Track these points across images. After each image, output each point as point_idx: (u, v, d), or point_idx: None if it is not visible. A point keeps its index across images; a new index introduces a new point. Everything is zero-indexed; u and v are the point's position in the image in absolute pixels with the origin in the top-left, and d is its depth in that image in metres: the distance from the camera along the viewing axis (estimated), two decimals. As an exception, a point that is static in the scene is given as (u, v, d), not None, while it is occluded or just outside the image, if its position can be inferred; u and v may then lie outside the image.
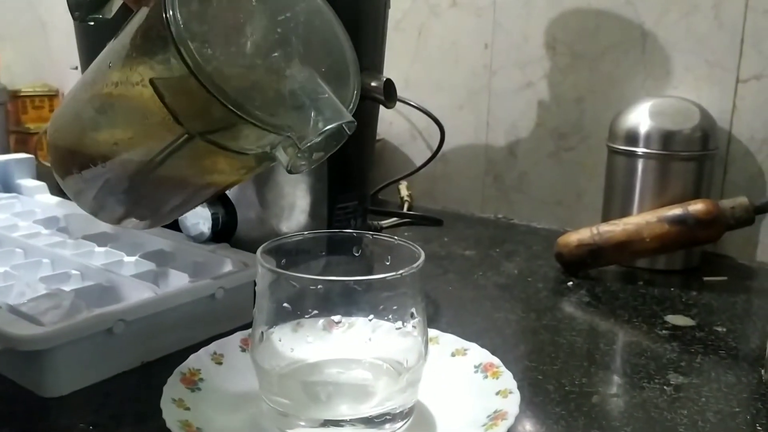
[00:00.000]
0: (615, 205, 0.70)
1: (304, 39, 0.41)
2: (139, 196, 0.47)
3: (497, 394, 0.39)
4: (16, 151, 0.97)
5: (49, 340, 0.40)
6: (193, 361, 0.41)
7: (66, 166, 0.47)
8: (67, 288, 0.47)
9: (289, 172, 0.39)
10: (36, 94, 1.16)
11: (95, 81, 0.43)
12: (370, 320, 0.36)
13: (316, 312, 0.36)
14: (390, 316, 0.37)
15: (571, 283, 0.63)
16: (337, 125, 0.37)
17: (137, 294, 0.47)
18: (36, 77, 1.23)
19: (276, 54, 0.39)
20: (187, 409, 0.37)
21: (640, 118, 0.67)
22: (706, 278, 0.65)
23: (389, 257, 0.40)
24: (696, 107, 0.67)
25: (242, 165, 0.43)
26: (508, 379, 0.40)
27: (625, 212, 0.68)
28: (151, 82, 0.37)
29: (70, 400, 0.41)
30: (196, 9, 0.37)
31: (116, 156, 0.43)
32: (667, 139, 0.65)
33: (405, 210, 0.90)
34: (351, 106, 0.41)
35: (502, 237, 0.79)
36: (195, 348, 0.43)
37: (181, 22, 0.35)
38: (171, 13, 0.35)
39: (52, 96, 1.17)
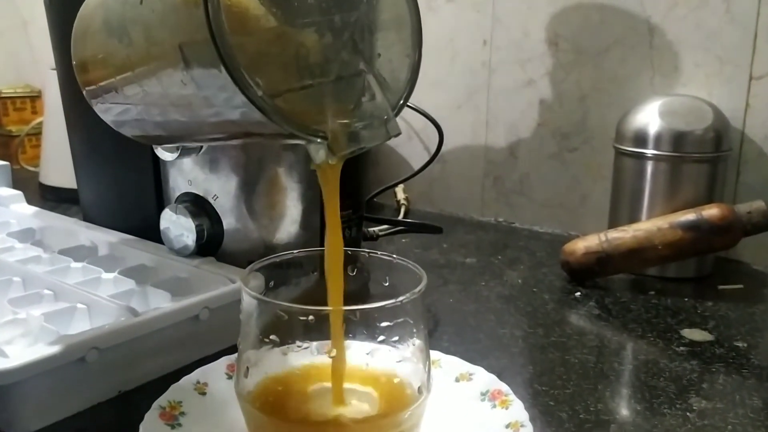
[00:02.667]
0: (623, 209, 0.66)
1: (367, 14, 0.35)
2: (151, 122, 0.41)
3: (507, 426, 0.36)
4: (-3, 155, 0.93)
5: (15, 374, 0.36)
6: (173, 392, 0.38)
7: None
8: (37, 311, 0.44)
9: (318, 167, 0.34)
10: (17, 95, 1.12)
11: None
12: (367, 354, 0.32)
13: (306, 345, 0.33)
14: (389, 346, 0.33)
15: (578, 293, 0.60)
16: (380, 142, 0.33)
17: (113, 317, 0.43)
18: (17, 78, 1.19)
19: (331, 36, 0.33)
20: (166, 449, 0.34)
21: (650, 117, 0.63)
22: (720, 286, 0.62)
23: (387, 277, 0.37)
24: (708, 106, 0.63)
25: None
26: (518, 410, 0.37)
27: (634, 217, 0.64)
28: (180, 47, 0.32)
29: (38, 437, 0.37)
30: None
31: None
32: (678, 140, 0.62)
33: (402, 214, 0.86)
34: (402, 103, 0.36)
35: (504, 242, 0.76)
36: (177, 374, 0.39)
37: None
38: None
39: (34, 97, 1.13)
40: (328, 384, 0.34)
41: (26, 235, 0.60)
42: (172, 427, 0.36)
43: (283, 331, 0.33)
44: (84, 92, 0.42)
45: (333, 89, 0.33)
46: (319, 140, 0.32)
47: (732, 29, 0.66)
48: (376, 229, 0.72)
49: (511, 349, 0.49)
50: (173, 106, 0.35)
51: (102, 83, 0.40)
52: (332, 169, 0.34)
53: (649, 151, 0.63)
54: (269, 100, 0.30)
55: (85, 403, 0.40)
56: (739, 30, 0.66)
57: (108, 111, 0.42)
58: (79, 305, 0.45)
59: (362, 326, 0.33)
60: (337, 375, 0.34)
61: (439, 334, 0.51)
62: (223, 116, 0.33)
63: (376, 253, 0.38)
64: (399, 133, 0.34)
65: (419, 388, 0.34)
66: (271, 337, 0.33)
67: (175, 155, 0.51)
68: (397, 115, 0.35)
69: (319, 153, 0.32)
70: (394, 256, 0.37)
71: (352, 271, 0.38)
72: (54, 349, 0.37)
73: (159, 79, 0.34)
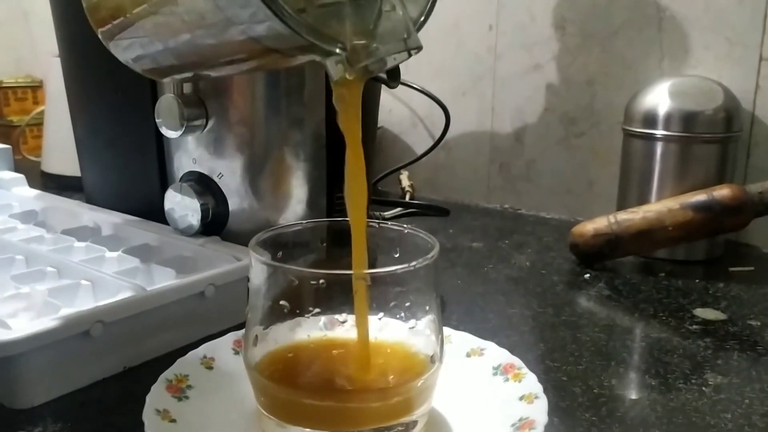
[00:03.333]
0: (631, 191, 0.65)
1: None
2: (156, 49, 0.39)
3: (521, 399, 0.35)
4: (-2, 144, 0.92)
5: (18, 345, 0.35)
6: (180, 366, 0.37)
7: None
8: (41, 287, 0.43)
9: (336, 83, 0.33)
10: (19, 86, 1.11)
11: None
12: (379, 319, 0.32)
13: (317, 311, 0.32)
14: (401, 314, 0.33)
15: (588, 275, 0.59)
16: (401, 56, 0.32)
17: (118, 293, 0.42)
18: (18, 68, 1.18)
19: None
20: (173, 421, 0.33)
21: (660, 98, 0.62)
22: (731, 269, 0.61)
23: (398, 249, 0.36)
24: (719, 87, 0.62)
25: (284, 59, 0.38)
26: (532, 382, 0.36)
27: (643, 199, 0.64)
28: None
29: (42, 411, 0.37)
30: None
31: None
32: (688, 120, 0.61)
33: (407, 201, 0.86)
34: (423, 20, 0.35)
35: (511, 228, 0.75)
36: (183, 351, 0.38)
37: None
38: None
39: (35, 87, 1.12)
40: (339, 352, 0.33)
41: (28, 217, 0.60)
42: (179, 399, 0.35)
43: (293, 298, 0.32)
44: (99, 35, 0.41)
45: (352, 7, 0.32)
46: (337, 50, 0.31)
47: (741, 10, 0.65)
48: (384, 213, 0.71)
49: (521, 327, 0.49)
50: (191, 31, 0.34)
51: (116, 21, 0.38)
52: (351, 87, 0.32)
53: (659, 132, 0.62)
54: (290, 11, 0.30)
55: (90, 377, 0.39)
56: (749, 11, 0.65)
57: (124, 49, 0.40)
58: (83, 282, 0.45)
59: (374, 293, 0.32)
60: (361, 334, 0.33)
61: (448, 314, 0.51)
62: (243, 34, 0.32)
63: (386, 224, 0.37)
64: (420, 47, 0.33)
65: (432, 357, 0.33)
66: (281, 303, 0.32)
67: (180, 132, 0.50)
68: (418, 30, 0.34)
69: (338, 67, 0.31)
70: (405, 226, 0.36)
71: (362, 243, 0.38)
72: (58, 322, 0.37)
73: (175, 3, 0.33)
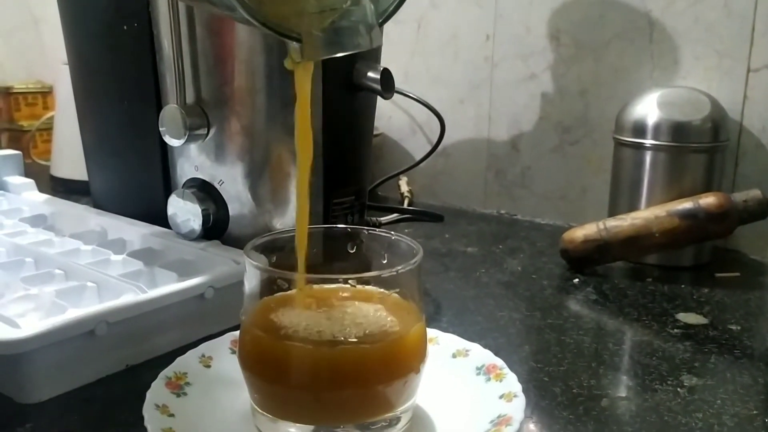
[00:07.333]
0: (622, 199, 0.67)
1: None
2: None
3: (501, 397, 0.37)
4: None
5: (26, 344, 0.38)
6: (179, 364, 0.39)
7: None
8: (49, 288, 0.45)
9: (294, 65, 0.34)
10: (29, 91, 1.13)
11: None
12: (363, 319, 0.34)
13: (306, 312, 0.34)
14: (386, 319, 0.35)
15: (577, 280, 0.61)
16: (359, 50, 0.32)
17: (122, 294, 0.44)
18: (29, 74, 1.21)
19: None
20: (171, 415, 0.35)
21: (649, 108, 0.64)
22: (717, 274, 0.63)
23: (386, 254, 0.38)
24: (706, 97, 0.64)
25: None
26: (512, 382, 0.38)
27: (633, 207, 0.65)
28: None
29: (49, 406, 0.39)
30: None
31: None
32: (676, 130, 0.63)
33: (405, 206, 0.88)
34: (391, 10, 0.35)
35: (505, 233, 0.77)
36: (184, 350, 0.40)
37: None
38: None
39: (45, 93, 1.15)
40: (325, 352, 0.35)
41: (38, 221, 0.62)
42: (178, 395, 0.37)
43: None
44: None
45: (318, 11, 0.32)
46: (293, 42, 0.31)
47: (730, 22, 0.67)
48: (380, 219, 0.73)
49: (508, 330, 0.50)
50: None
51: None
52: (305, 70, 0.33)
53: (648, 141, 0.64)
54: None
55: (93, 375, 0.41)
56: (737, 23, 0.67)
57: None
58: (89, 284, 0.47)
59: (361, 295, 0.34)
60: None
61: (438, 316, 0.53)
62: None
63: (376, 231, 0.39)
64: (380, 44, 0.33)
65: (415, 357, 0.35)
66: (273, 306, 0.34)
67: (182, 141, 0.52)
68: (382, 24, 0.34)
69: (293, 49, 0.32)
70: (393, 233, 0.38)
71: (352, 248, 0.40)
72: (64, 321, 0.39)
73: None
